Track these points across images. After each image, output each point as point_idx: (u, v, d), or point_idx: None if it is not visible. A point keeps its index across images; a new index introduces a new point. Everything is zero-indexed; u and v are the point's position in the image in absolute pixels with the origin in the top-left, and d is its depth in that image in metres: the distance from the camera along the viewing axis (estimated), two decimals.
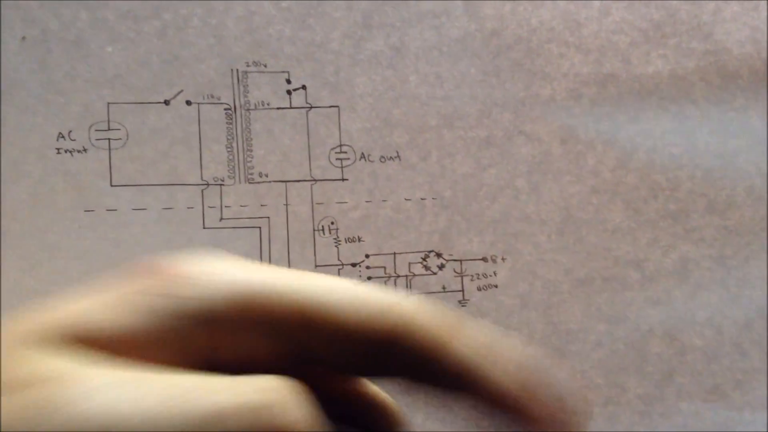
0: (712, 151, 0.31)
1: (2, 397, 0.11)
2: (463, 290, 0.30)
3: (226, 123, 0.29)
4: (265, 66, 0.29)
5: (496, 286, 0.30)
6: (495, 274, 0.31)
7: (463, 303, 0.30)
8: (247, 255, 0.29)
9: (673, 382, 0.31)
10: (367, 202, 0.30)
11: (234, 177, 0.29)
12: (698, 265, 0.31)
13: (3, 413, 0.11)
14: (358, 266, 0.30)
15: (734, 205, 0.31)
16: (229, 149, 0.29)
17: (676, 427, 0.31)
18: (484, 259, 0.31)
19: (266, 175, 0.29)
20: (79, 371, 0.12)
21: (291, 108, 0.30)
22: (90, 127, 0.28)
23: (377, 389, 0.17)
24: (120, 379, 0.12)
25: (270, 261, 0.29)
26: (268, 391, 0.12)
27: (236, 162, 0.29)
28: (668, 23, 0.31)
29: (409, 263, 0.30)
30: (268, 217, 0.29)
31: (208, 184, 0.29)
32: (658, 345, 0.31)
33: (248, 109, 0.29)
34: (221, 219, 0.29)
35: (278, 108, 0.30)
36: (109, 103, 0.28)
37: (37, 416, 0.11)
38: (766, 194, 0.31)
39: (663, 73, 0.31)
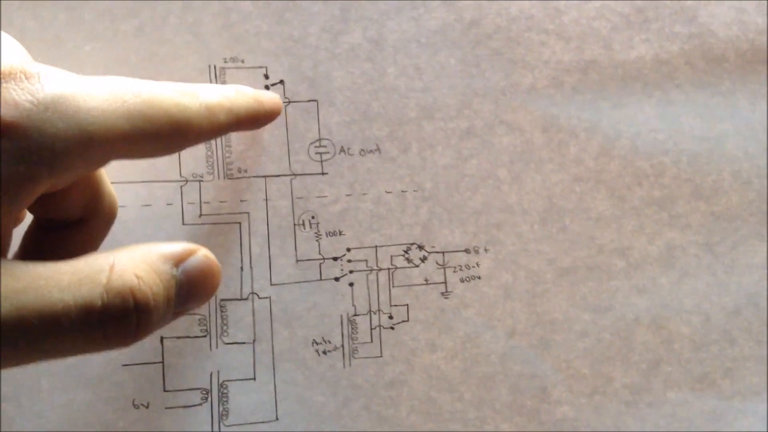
0: (697, 135, 0.31)
1: None
2: (446, 282, 0.30)
3: None
4: (243, 62, 0.29)
5: (479, 278, 0.30)
6: (478, 265, 0.30)
7: (446, 295, 0.30)
8: (227, 251, 0.29)
9: (661, 371, 0.30)
10: (347, 195, 0.30)
11: (213, 173, 0.29)
12: (685, 251, 0.31)
13: None
14: (339, 260, 0.30)
15: (721, 190, 0.31)
16: (207, 145, 0.29)
17: (663, 416, 0.30)
18: (467, 251, 0.30)
19: (245, 171, 0.29)
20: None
21: None
22: None
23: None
24: None
25: (250, 256, 0.29)
26: None
27: (215, 158, 0.29)
28: (650, 7, 0.31)
29: (391, 256, 0.30)
30: (248, 213, 0.29)
31: (186, 181, 0.29)
32: (644, 334, 0.30)
33: None
34: (200, 215, 0.29)
35: None
36: None
37: None
38: (753, 179, 0.31)
39: (646, 58, 0.31)
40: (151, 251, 0.19)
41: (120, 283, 0.17)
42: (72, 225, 0.22)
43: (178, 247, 0.19)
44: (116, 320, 0.17)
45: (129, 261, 0.18)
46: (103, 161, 0.19)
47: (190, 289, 0.19)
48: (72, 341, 0.17)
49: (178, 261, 0.19)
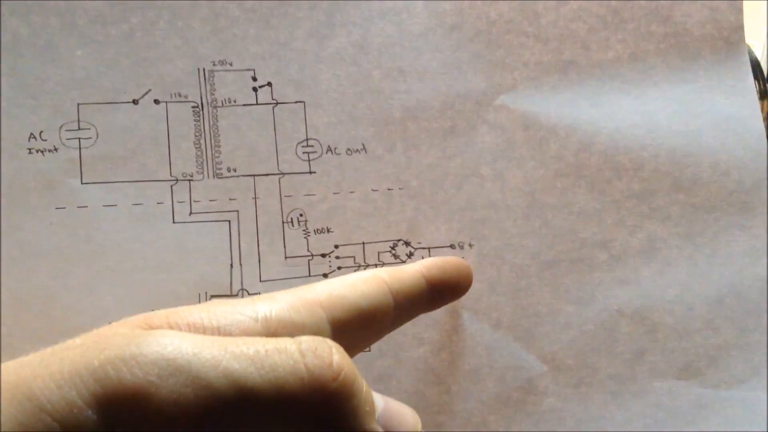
0: (675, 130, 0.32)
1: None
2: None
3: (194, 120, 0.30)
4: (231, 65, 0.30)
5: None
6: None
7: None
8: (217, 248, 0.30)
9: (645, 361, 0.31)
10: (334, 193, 0.31)
11: (202, 172, 0.30)
12: (666, 243, 0.31)
13: None
14: (327, 257, 0.30)
15: (700, 182, 0.31)
16: (197, 146, 0.30)
17: (649, 405, 0.30)
18: (452, 246, 0.31)
19: (234, 170, 0.30)
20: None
21: (257, 104, 0.30)
22: (60, 127, 0.29)
23: None
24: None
25: (240, 254, 0.30)
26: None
27: (204, 158, 0.30)
28: (626, 8, 0.32)
29: (378, 252, 0.31)
30: (237, 211, 0.30)
31: (177, 180, 0.30)
32: (627, 324, 0.31)
33: (215, 107, 0.30)
34: (191, 213, 0.30)
35: (245, 105, 0.30)
36: (79, 104, 0.29)
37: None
38: (731, 170, 0.32)
39: (623, 58, 0.32)
40: None
41: None
42: None
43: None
44: None
45: None
46: None
47: None
48: None
49: None
